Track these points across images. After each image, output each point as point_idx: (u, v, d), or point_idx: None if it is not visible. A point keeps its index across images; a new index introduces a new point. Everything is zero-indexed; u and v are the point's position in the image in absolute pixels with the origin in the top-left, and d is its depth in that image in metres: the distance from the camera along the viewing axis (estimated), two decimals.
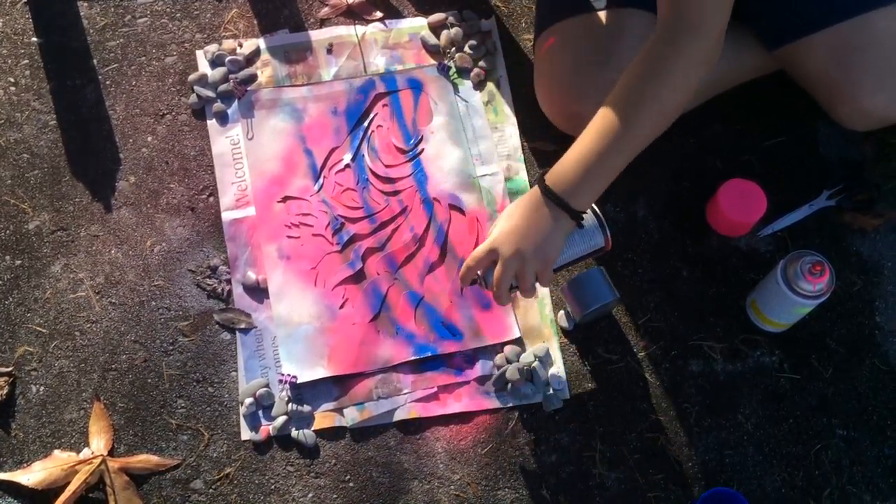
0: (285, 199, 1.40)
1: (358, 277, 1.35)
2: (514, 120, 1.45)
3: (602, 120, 1.09)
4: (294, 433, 1.26)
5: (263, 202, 1.39)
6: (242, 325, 1.32)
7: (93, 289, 1.35)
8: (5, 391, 1.28)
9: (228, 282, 1.35)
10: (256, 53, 1.49)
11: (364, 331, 1.32)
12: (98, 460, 1.24)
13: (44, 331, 1.32)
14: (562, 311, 1.33)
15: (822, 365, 1.31)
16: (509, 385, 1.29)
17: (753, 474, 1.25)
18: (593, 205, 1.15)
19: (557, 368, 1.30)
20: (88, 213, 1.39)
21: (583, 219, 1.13)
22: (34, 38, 1.51)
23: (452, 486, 1.25)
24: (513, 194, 1.40)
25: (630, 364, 1.31)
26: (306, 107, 1.46)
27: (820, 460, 1.26)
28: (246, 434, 1.27)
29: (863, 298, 1.34)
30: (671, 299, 1.34)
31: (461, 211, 1.39)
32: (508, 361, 1.30)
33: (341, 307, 1.33)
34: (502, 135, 1.45)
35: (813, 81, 1.31)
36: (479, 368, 1.30)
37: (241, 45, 1.49)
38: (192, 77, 1.47)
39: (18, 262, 1.36)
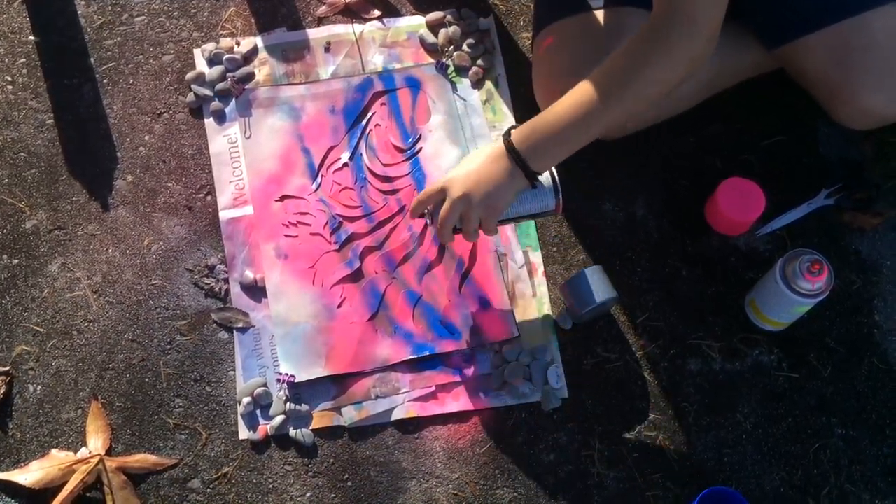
0: (283, 197, 1.39)
1: (356, 276, 1.35)
2: (512, 119, 1.45)
3: (580, 93, 1.11)
4: (292, 432, 1.26)
5: (261, 201, 1.39)
6: (240, 325, 1.32)
7: (90, 288, 1.34)
8: (2, 391, 1.28)
9: (226, 281, 1.35)
10: (254, 52, 1.49)
11: (362, 330, 1.32)
12: (95, 460, 1.24)
13: (41, 330, 1.32)
14: (560, 310, 1.33)
15: (821, 364, 1.30)
16: (508, 384, 1.29)
17: (752, 473, 1.25)
18: (553, 168, 1.18)
19: (556, 367, 1.30)
20: (86, 212, 1.39)
21: (537, 181, 1.16)
22: (31, 37, 1.50)
23: (451, 486, 1.25)
24: None
25: (629, 363, 1.31)
26: (304, 105, 1.45)
27: (819, 459, 1.26)
28: (244, 433, 1.27)
29: (862, 297, 1.34)
30: (670, 298, 1.34)
31: None
32: (507, 360, 1.30)
33: (339, 306, 1.33)
34: (500, 133, 1.44)
35: (812, 80, 1.31)
36: (478, 367, 1.30)
37: (238, 44, 1.49)
38: (189, 76, 1.46)
39: (16, 261, 1.36)
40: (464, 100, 1.46)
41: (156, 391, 1.29)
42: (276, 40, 1.50)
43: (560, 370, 1.29)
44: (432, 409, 1.28)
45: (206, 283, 1.35)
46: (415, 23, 1.52)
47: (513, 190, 1.15)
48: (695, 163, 1.42)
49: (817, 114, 1.37)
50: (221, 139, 1.43)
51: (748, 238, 1.37)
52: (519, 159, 1.13)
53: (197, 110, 1.46)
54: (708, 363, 1.31)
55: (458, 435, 1.27)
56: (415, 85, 1.47)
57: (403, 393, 1.29)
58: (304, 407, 1.27)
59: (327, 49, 1.49)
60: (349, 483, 1.25)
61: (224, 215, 1.38)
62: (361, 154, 1.42)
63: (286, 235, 1.37)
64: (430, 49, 1.50)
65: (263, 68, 1.48)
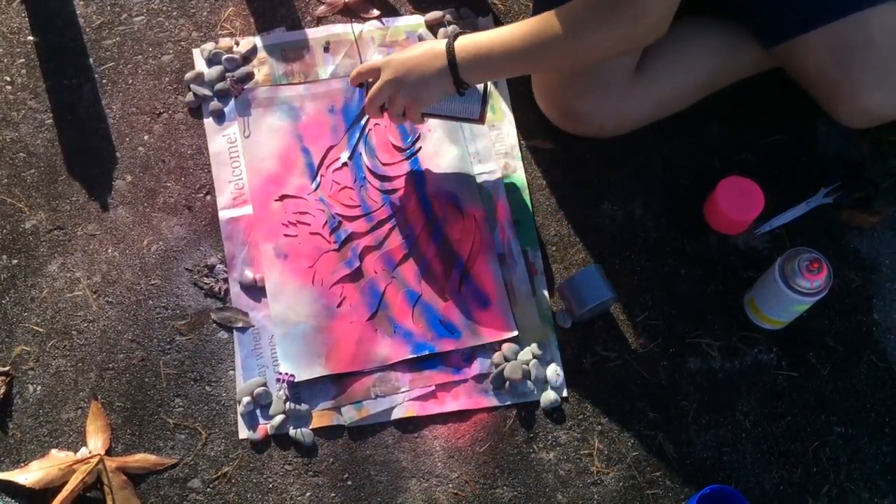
0: (282, 197, 1.39)
1: (355, 276, 1.35)
2: (511, 118, 1.45)
3: (528, 29, 1.16)
4: (292, 432, 1.26)
5: (260, 201, 1.39)
6: (240, 324, 1.32)
7: (90, 288, 1.34)
8: (2, 391, 1.28)
9: (226, 280, 1.35)
10: (253, 52, 1.49)
11: (362, 329, 1.32)
12: (95, 460, 1.24)
13: (41, 330, 1.32)
14: (560, 309, 1.33)
15: (820, 362, 1.31)
16: (507, 383, 1.29)
17: (751, 472, 1.25)
18: (489, 83, 1.27)
19: (555, 366, 1.30)
20: (85, 212, 1.39)
21: (465, 89, 1.22)
22: (30, 37, 1.50)
23: (450, 485, 1.25)
24: (510, 192, 1.40)
25: (628, 362, 1.31)
26: (303, 105, 1.45)
27: (818, 457, 1.26)
28: (244, 433, 1.27)
29: (860, 295, 1.34)
30: (669, 297, 1.34)
31: (459, 209, 1.39)
32: (506, 359, 1.30)
33: (339, 306, 1.33)
34: (500, 133, 1.45)
35: (810, 79, 1.31)
36: (477, 366, 1.30)
37: (237, 44, 1.49)
38: (188, 75, 1.46)
39: (15, 262, 1.36)
40: None
41: (155, 391, 1.29)
42: (275, 40, 1.50)
43: (559, 369, 1.30)
44: (432, 408, 1.28)
45: (206, 283, 1.35)
46: (414, 22, 1.52)
47: (439, 90, 1.22)
48: (694, 162, 1.42)
49: (816, 113, 1.37)
50: (221, 139, 1.43)
51: (747, 237, 1.37)
52: (453, 65, 1.19)
53: (196, 110, 1.46)
54: (707, 362, 1.31)
55: (458, 434, 1.27)
56: None
57: (403, 392, 1.29)
58: (304, 406, 1.28)
59: (326, 49, 1.49)
60: (349, 482, 1.25)
61: (223, 215, 1.38)
62: (361, 153, 1.43)
63: (285, 235, 1.37)
64: None
65: (262, 68, 1.48)
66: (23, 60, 1.49)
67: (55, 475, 1.23)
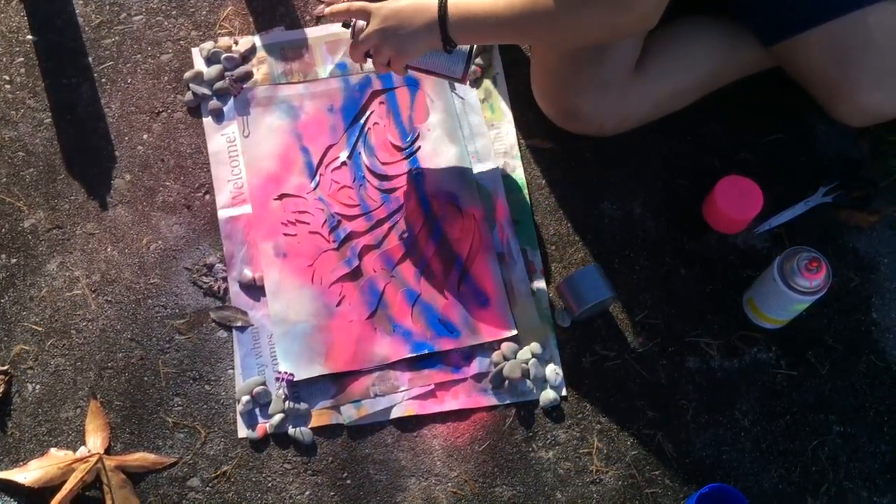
0: (281, 196, 1.39)
1: (355, 275, 1.35)
2: (510, 117, 1.45)
3: (521, 1, 1.14)
4: (291, 431, 1.26)
5: (260, 200, 1.39)
6: (239, 323, 1.32)
7: (89, 287, 1.34)
8: (1, 390, 1.28)
9: (225, 280, 1.35)
10: (252, 51, 1.49)
11: (361, 328, 1.32)
12: (94, 458, 1.24)
13: (40, 329, 1.32)
14: (559, 308, 1.33)
15: (819, 361, 1.31)
16: (506, 382, 1.29)
17: (750, 470, 1.26)
18: (475, 45, 1.26)
19: (554, 365, 1.30)
20: (84, 212, 1.39)
21: (452, 47, 1.21)
22: (29, 36, 1.50)
23: (450, 484, 1.25)
24: (510, 192, 1.40)
25: (627, 361, 1.31)
26: (302, 104, 1.45)
27: (817, 456, 1.26)
28: (243, 432, 1.27)
29: (859, 295, 1.34)
30: (668, 296, 1.34)
31: (458, 208, 1.39)
32: (505, 358, 1.30)
33: (338, 305, 1.33)
34: (499, 132, 1.45)
35: (809, 78, 1.31)
36: (476, 366, 1.30)
37: (236, 43, 1.49)
38: (187, 75, 1.46)
39: (14, 261, 1.36)
40: (462, 98, 1.46)
41: (155, 390, 1.29)
42: (274, 39, 1.50)
43: (559, 368, 1.30)
44: (431, 407, 1.28)
45: (205, 282, 1.35)
46: None
47: (426, 45, 1.21)
48: (693, 161, 1.42)
49: (815, 112, 1.37)
50: (220, 138, 1.43)
51: (746, 236, 1.37)
52: (443, 23, 1.18)
53: (195, 109, 1.46)
54: (706, 361, 1.31)
55: (457, 433, 1.27)
56: (413, 84, 1.47)
57: (402, 391, 1.29)
58: (303, 405, 1.28)
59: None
60: (348, 481, 1.25)
61: (223, 214, 1.38)
62: (360, 153, 1.43)
63: (285, 234, 1.37)
64: None
65: (262, 67, 1.48)
66: (22, 59, 1.49)
67: (54, 474, 1.23)
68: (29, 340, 1.31)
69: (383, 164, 1.42)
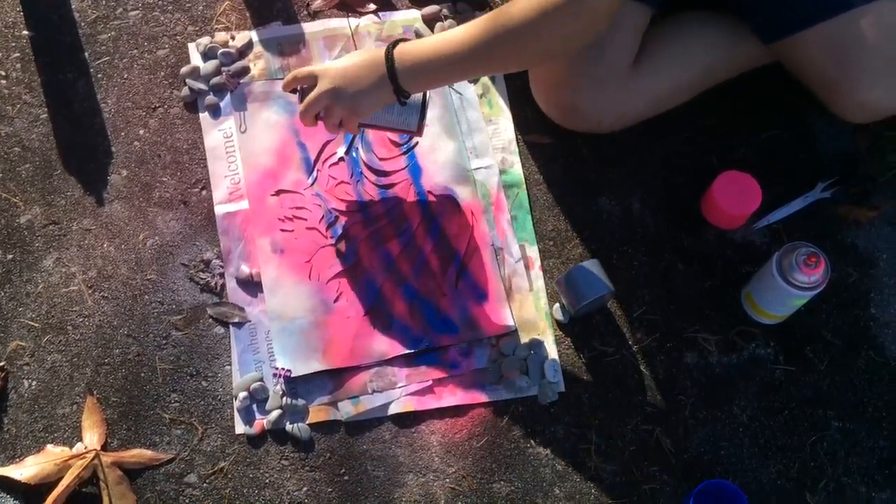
0: (279, 192, 1.39)
1: (352, 271, 1.34)
2: (508, 113, 1.45)
3: (469, 31, 1.13)
4: (288, 427, 1.26)
5: (257, 195, 1.39)
6: (236, 319, 1.32)
7: (85, 283, 1.34)
8: None
9: (222, 276, 1.34)
10: (249, 46, 1.48)
11: (358, 324, 1.31)
12: (91, 455, 1.23)
13: (36, 325, 1.32)
14: (557, 304, 1.33)
15: (818, 357, 1.31)
16: (504, 378, 1.29)
17: (749, 466, 1.25)
18: (429, 93, 1.23)
19: (553, 361, 1.30)
20: (80, 207, 1.38)
21: (406, 98, 1.18)
22: (25, 32, 1.50)
23: (448, 480, 1.25)
24: (507, 187, 1.40)
25: (625, 356, 1.31)
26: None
27: (815, 452, 1.26)
28: (240, 428, 1.26)
29: (858, 290, 1.34)
30: (666, 292, 1.34)
31: (456, 204, 1.38)
32: (503, 354, 1.30)
33: (336, 301, 1.33)
34: (497, 127, 1.44)
35: (808, 75, 1.31)
36: (475, 361, 1.30)
37: (233, 38, 1.49)
38: (184, 70, 1.46)
39: (10, 257, 1.35)
40: (460, 94, 1.46)
41: (151, 386, 1.29)
42: (271, 34, 1.49)
43: (557, 364, 1.29)
44: (429, 403, 1.28)
45: (202, 278, 1.34)
46: (410, 17, 1.51)
47: (379, 100, 1.18)
48: (691, 157, 1.42)
49: (814, 108, 1.37)
50: (217, 133, 1.43)
51: (744, 232, 1.37)
52: (393, 74, 1.15)
53: (192, 104, 1.45)
54: (705, 356, 1.31)
55: (455, 429, 1.27)
56: None
57: (400, 387, 1.28)
58: (301, 401, 1.27)
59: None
60: (346, 477, 1.25)
61: (219, 210, 1.38)
62: (357, 148, 1.42)
63: (282, 230, 1.37)
64: None
65: (258, 62, 1.47)
66: (18, 55, 1.48)
67: (51, 470, 1.22)
68: (25, 336, 1.31)
69: (381, 159, 1.42)
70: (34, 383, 1.29)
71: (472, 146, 1.43)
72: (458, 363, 1.30)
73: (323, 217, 1.38)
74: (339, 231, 1.37)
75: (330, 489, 1.24)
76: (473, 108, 1.45)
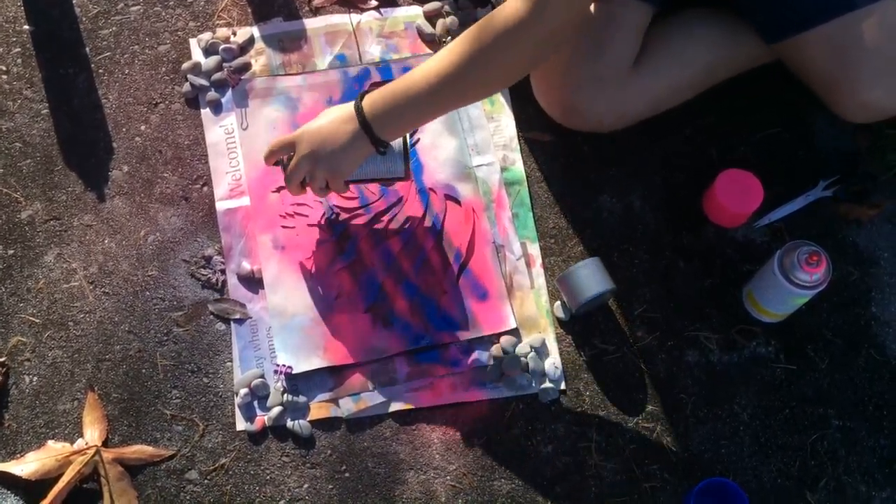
0: (280, 188, 1.39)
1: (353, 268, 1.34)
2: (509, 110, 1.45)
3: (436, 65, 1.11)
4: (289, 424, 1.26)
5: (258, 192, 1.38)
6: (237, 316, 1.32)
7: (86, 279, 1.34)
8: None
9: (223, 272, 1.34)
10: (250, 42, 1.48)
11: (359, 321, 1.31)
12: (92, 451, 1.23)
13: (37, 321, 1.31)
14: (558, 302, 1.33)
15: (819, 355, 1.31)
16: (505, 376, 1.29)
17: (749, 465, 1.26)
18: (406, 136, 1.20)
19: (553, 359, 1.30)
20: (81, 203, 1.38)
21: (385, 148, 1.17)
22: (26, 26, 1.49)
23: (448, 477, 1.25)
24: (509, 185, 1.40)
25: (626, 355, 1.31)
26: (301, 96, 1.45)
27: (816, 451, 1.26)
28: (241, 425, 1.26)
29: (859, 289, 1.34)
30: (667, 290, 1.34)
31: (457, 201, 1.38)
32: (504, 352, 1.30)
33: (336, 298, 1.33)
34: (498, 125, 1.44)
35: (810, 75, 1.31)
36: (475, 359, 1.30)
37: (234, 34, 1.48)
38: (185, 66, 1.46)
39: (11, 252, 1.35)
40: None
41: (152, 382, 1.29)
42: (272, 30, 1.49)
43: (558, 362, 1.29)
44: (430, 400, 1.28)
45: (203, 274, 1.34)
46: (412, 13, 1.51)
47: (359, 154, 1.16)
48: (692, 155, 1.42)
49: (814, 106, 1.37)
50: (218, 129, 1.43)
51: (746, 230, 1.37)
52: (366, 126, 1.13)
53: (193, 100, 1.45)
54: (705, 355, 1.31)
55: (456, 426, 1.27)
56: None
57: (401, 384, 1.28)
58: (302, 398, 1.27)
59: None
60: (347, 474, 1.25)
61: (221, 206, 1.38)
62: None
63: (283, 226, 1.37)
64: (428, 39, 1.49)
65: (260, 58, 1.47)
66: (19, 50, 1.48)
67: (51, 466, 1.22)
68: (26, 332, 1.31)
69: None
70: (35, 379, 1.29)
71: (474, 143, 1.43)
72: (459, 360, 1.30)
73: (324, 214, 1.37)
74: (340, 228, 1.37)
75: (331, 486, 1.24)
76: (475, 105, 1.45)
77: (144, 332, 1.31)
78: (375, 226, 1.37)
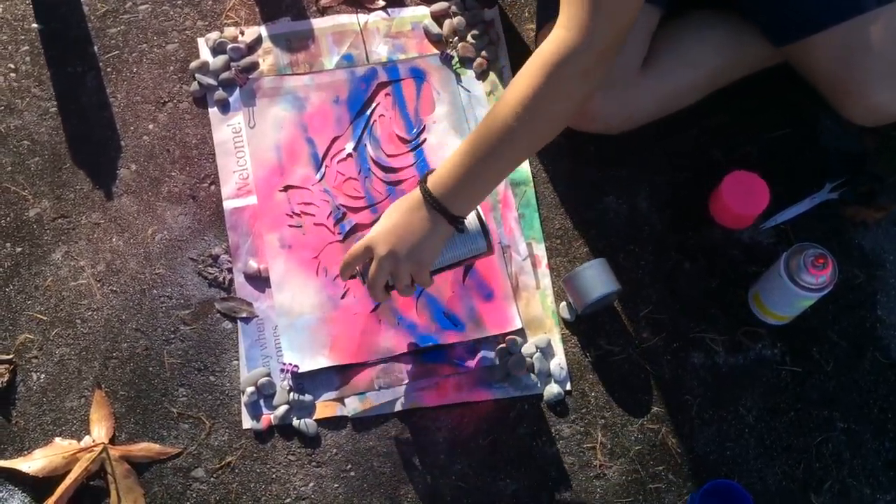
0: (287, 188, 1.39)
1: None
2: None
3: (488, 125, 1.08)
4: (295, 422, 1.26)
5: (265, 191, 1.39)
6: (244, 314, 1.32)
7: (94, 276, 1.34)
8: (6, 379, 1.28)
9: (230, 271, 1.35)
10: (258, 41, 1.48)
11: (365, 321, 1.32)
12: (99, 448, 1.24)
13: (44, 318, 1.32)
14: (563, 303, 1.33)
15: (824, 358, 1.31)
16: (510, 376, 1.29)
17: (754, 467, 1.26)
18: (478, 208, 1.14)
19: (559, 359, 1.30)
20: (89, 201, 1.39)
21: (463, 225, 1.12)
22: (35, 25, 1.50)
23: (453, 476, 1.25)
24: (515, 185, 1.40)
25: (632, 356, 1.31)
26: (308, 95, 1.45)
27: (821, 453, 1.26)
28: (247, 423, 1.27)
29: (864, 291, 1.34)
30: (673, 291, 1.34)
31: None
32: (510, 352, 1.30)
33: (343, 297, 1.33)
34: None
35: (818, 77, 1.30)
36: (481, 359, 1.30)
37: (242, 33, 1.49)
38: (193, 65, 1.46)
39: (19, 250, 1.36)
40: (468, 91, 1.46)
41: (159, 380, 1.29)
42: (280, 30, 1.49)
43: (563, 362, 1.30)
44: (435, 400, 1.28)
45: (210, 273, 1.35)
46: (419, 13, 1.51)
47: (439, 239, 1.11)
48: (698, 156, 1.42)
49: (820, 107, 1.37)
50: (225, 129, 1.43)
51: (752, 232, 1.37)
52: (438, 206, 1.09)
53: (201, 100, 1.45)
54: (711, 356, 1.31)
55: (461, 426, 1.27)
56: (419, 76, 1.47)
57: (406, 384, 1.29)
58: (308, 397, 1.28)
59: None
60: (352, 473, 1.25)
61: (228, 205, 1.38)
62: (365, 145, 1.42)
63: (290, 226, 1.37)
64: (435, 40, 1.50)
65: (267, 58, 1.47)
66: (27, 48, 1.48)
67: (58, 463, 1.23)
68: (34, 329, 1.31)
69: (389, 156, 1.42)
70: (42, 376, 1.29)
71: None
72: (465, 360, 1.30)
73: (331, 213, 1.38)
74: (347, 227, 1.37)
75: (336, 485, 1.24)
76: (482, 105, 1.45)
77: (151, 330, 1.32)
78: None
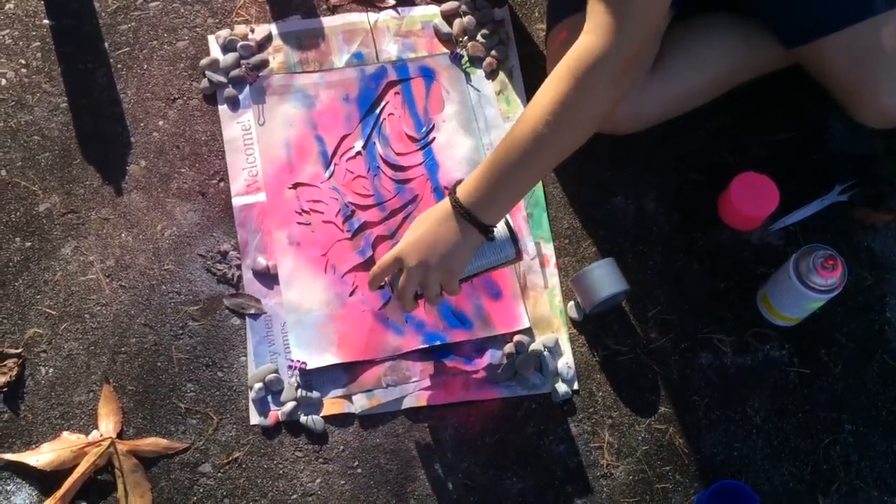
0: (296, 185, 1.39)
1: (368, 265, 1.35)
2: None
3: (516, 133, 1.08)
4: (303, 419, 1.26)
5: (274, 188, 1.39)
6: (252, 311, 1.32)
7: (103, 272, 1.35)
8: (15, 373, 1.28)
9: (238, 267, 1.35)
10: (268, 39, 1.49)
11: (373, 318, 1.32)
12: (107, 443, 1.24)
13: (53, 313, 1.32)
14: (571, 302, 1.33)
15: (832, 360, 1.31)
16: (518, 375, 1.29)
17: (761, 467, 1.25)
18: (507, 216, 1.14)
19: (567, 359, 1.30)
20: (99, 197, 1.39)
21: (492, 233, 1.12)
22: (46, 21, 1.50)
23: (460, 474, 1.25)
24: None
25: (639, 356, 1.31)
26: (318, 93, 1.45)
27: (828, 455, 1.26)
28: (255, 419, 1.27)
29: (873, 294, 1.34)
30: (681, 292, 1.34)
31: None
32: (518, 351, 1.30)
33: (351, 294, 1.33)
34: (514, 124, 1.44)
35: (829, 80, 1.30)
36: (488, 357, 1.30)
37: (252, 31, 1.49)
38: (203, 62, 1.46)
39: (29, 244, 1.36)
40: (478, 90, 1.46)
41: (168, 375, 1.29)
42: (290, 28, 1.50)
43: (571, 362, 1.30)
44: (443, 398, 1.28)
45: (219, 269, 1.35)
46: (429, 12, 1.52)
47: (469, 248, 1.11)
48: (707, 157, 1.42)
49: (830, 109, 1.37)
50: (235, 126, 1.43)
51: (761, 233, 1.37)
52: (468, 215, 1.09)
53: (211, 97, 1.46)
54: (719, 357, 1.31)
55: (468, 424, 1.27)
56: (429, 75, 1.47)
57: (414, 382, 1.29)
58: (315, 394, 1.28)
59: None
60: (359, 470, 1.25)
61: (237, 202, 1.38)
62: (374, 143, 1.42)
63: (299, 223, 1.37)
64: (445, 39, 1.50)
65: (277, 56, 1.48)
66: (38, 44, 1.49)
67: (66, 457, 1.23)
68: (43, 324, 1.32)
69: (398, 154, 1.42)
70: (51, 371, 1.30)
71: (489, 143, 1.43)
72: (472, 359, 1.30)
73: (339, 211, 1.38)
74: (356, 225, 1.37)
75: (343, 482, 1.25)
76: (491, 104, 1.45)
77: (160, 326, 1.32)
78: (390, 223, 1.37)
